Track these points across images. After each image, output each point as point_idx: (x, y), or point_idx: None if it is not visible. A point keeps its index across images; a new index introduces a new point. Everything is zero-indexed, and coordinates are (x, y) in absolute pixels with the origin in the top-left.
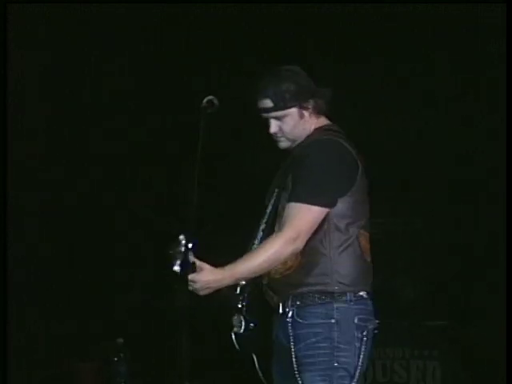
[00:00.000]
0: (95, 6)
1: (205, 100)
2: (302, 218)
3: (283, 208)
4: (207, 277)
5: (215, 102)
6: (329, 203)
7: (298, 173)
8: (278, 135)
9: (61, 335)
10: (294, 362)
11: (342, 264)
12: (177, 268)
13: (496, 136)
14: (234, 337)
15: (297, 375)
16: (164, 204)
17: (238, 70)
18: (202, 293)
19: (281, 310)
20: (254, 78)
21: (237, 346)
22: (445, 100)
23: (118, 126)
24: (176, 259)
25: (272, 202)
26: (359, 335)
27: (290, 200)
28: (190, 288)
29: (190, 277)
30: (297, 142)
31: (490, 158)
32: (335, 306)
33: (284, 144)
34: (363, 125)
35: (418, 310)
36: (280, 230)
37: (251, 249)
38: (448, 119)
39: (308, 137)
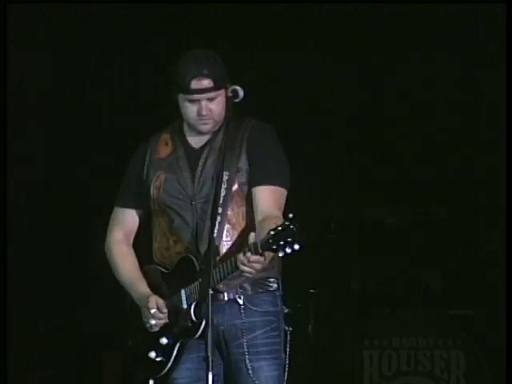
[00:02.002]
0: (95, 5)
1: (230, 89)
2: (281, 201)
3: (242, 190)
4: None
5: (240, 91)
6: (289, 186)
7: (261, 157)
8: (208, 117)
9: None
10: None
11: None
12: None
13: (496, 136)
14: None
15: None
16: None
17: (238, 69)
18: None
19: (226, 297)
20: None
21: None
22: (445, 100)
23: (119, 126)
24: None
25: (224, 185)
26: (286, 327)
27: (262, 183)
28: (249, 270)
29: (254, 258)
30: (218, 126)
31: (490, 157)
32: (277, 294)
33: (208, 127)
34: (363, 125)
35: (442, 300)
36: (268, 212)
37: (212, 235)
38: (448, 119)
39: (228, 120)
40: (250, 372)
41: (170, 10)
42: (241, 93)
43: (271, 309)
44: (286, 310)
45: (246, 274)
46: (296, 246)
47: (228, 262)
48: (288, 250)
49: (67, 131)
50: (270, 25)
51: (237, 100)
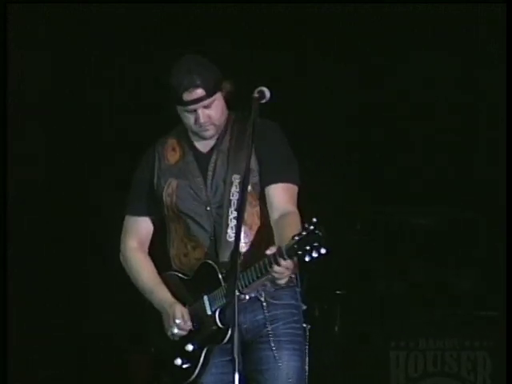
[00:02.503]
0: (95, 5)
1: (256, 90)
2: (294, 198)
3: (255, 190)
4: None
5: (266, 92)
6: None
7: (271, 155)
8: (207, 124)
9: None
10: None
11: None
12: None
13: (496, 135)
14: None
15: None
16: None
17: (238, 69)
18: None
19: (248, 297)
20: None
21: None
22: (445, 100)
23: (119, 126)
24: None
25: (236, 189)
26: (304, 324)
27: (275, 181)
28: (281, 276)
29: (284, 264)
30: (221, 128)
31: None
32: (296, 290)
33: (211, 132)
34: (364, 124)
35: (469, 301)
36: (284, 209)
37: (226, 238)
38: (448, 119)
39: (232, 122)
40: (277, 357)
41: (170, 9)
42: (267, 94)
43: (293, 302)
44: (304, 307)
45: (276, 278)
46: (322, 251)
47: (255, 267)
48: (314, 255)
49: (67, 131)
50: (269, 25)
51: (263, 101)
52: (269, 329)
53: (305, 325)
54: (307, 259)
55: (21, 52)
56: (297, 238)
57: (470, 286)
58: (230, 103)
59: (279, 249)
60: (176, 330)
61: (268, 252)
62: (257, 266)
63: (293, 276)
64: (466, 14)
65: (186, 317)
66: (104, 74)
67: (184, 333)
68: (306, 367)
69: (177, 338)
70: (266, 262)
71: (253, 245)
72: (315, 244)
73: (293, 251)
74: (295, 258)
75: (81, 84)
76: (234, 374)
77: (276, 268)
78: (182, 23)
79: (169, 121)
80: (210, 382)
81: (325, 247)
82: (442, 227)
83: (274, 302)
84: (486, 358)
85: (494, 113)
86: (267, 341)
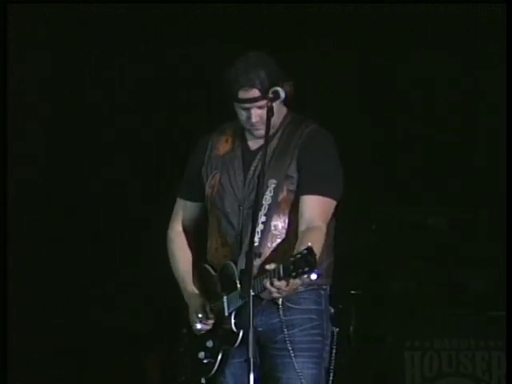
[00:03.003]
0: (95, 6)
1: (271, 91)
2: (328, 212)
3: (290, 197)
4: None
5: (281, 93)
6: (340, 197)
7: (312, 165)
8: (259, 124)
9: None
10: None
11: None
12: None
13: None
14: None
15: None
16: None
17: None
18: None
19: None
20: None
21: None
22: (445, 100)
23: (119, 126)
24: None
25: (270, 193)
26: (333, 328)
27: (310, 192)
28: (276, 295)
29: (277, 284)
30: (273, 130)
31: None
32: (322, 293)
33: (262, 132)
34: (364, 123)
35: (484, 301)
36: (312, 222)
37: (253, 243)
38: (448, 119)
39: (286, 124)
40: (293, 364)
41: (169, 9)
42: (282, 94)
43: (313, 307)
44: (332, 310)
45: (274, 295)
46: (313, 276)
47: (260, 278)
48: (305, 279)
49: (67, 131)
50: (270, 25)
51: (278, 101)
52: (285, 334)
53: (334, 328)
54: (298, 282)
55: (21, 52)
56: (292, 259)
57: (485, 286)
58: (288, 104)
59: (277, 268)
60: (199, 326)
61: (267, 267)
62: (259, 279)
63: (315, 279)
64: (466, 14)
65: (209, 313)
66: (104, 74)
67: (207, 327)
68: (331, 374)
69: (201, 332)
70: (263, 277)
71: (277, 251)
72: (306, 268)
73: (288, 272)
74: (292, 279)
75: (81, 84)
76: (248, 374)
77: (268, 286)
78: (182, 23)
79: (169, 121)
80: (232, 382)
81: (315, 272)
82: (457, 228)
83: (292, 306)
84: (501, 358)
85: (493, 113)
86: (284, 348)
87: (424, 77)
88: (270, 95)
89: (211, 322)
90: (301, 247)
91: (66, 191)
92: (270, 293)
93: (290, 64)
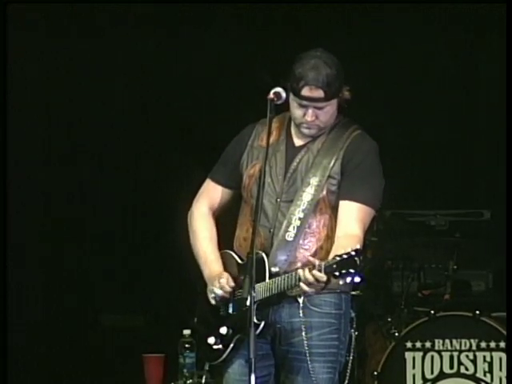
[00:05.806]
0: (95, 6)
1: (272, 91)
2: (366, 221)
3: (329, 198)
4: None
5: (282, 93)
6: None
7: (357, 171)
8: (312, 124)
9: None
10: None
11: None
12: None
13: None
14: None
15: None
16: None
17: (238, 68)
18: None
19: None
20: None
21: None
22: (445, 100)
23: (119, 126)
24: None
25: (312, 191)
26: (352, 331)
27: (352, 199)
28: (309, 290)
29: (318, 276)
30: (322, 131)
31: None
32: (343, 296)
33: (312, 132)
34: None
35: (485, 302)
36: (351, 229)
37: (285, 236)
38: (447, 119)
39: (334, 125)
40: (308, 368)
41: (170, 9)
42: (283, 95)
43: (332, 311)
44: (353, 314)
45: (304, 288)
46: (357, 279)
47: (291, 275)
48: (348, 280)
49: (67, 131)
50: (270, 25)
51: (279, 102)
52: (303, 337)
53: (353, 332)
54: (341, 282)
55: (21, 52)
56: (338, 258)
57: (487, 286)
58: (342, 109)
59: (320, 265)
60: (219, 291)
61: (311, 259)
62: (293, 273)
63: (358, 282)
64: (466, 14)
65: (231, 281)
66: (104, 75)
67: (226, 295)
68: (347, 377)
69: (218, 303)
70: (304, 269)
71: (310, 251)
72: (351, 270)
73: (331, 269)
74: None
75: (81, 84)
76: (249, 374)
77: (307, 275)
78: (183, 23)
79: (169, 121)
80: (240, 373)
81: (360, 276)
82: (460, 229)
83: (312, 307)
84: (503, 359)
85: (494, 113)
86: (301, 351)
87: (424, 77)
88: (271, 96)
89: (230, 290)
90: (338, 251)
91: (66, 191)
92: (304, 284)
93: (289, 64)
